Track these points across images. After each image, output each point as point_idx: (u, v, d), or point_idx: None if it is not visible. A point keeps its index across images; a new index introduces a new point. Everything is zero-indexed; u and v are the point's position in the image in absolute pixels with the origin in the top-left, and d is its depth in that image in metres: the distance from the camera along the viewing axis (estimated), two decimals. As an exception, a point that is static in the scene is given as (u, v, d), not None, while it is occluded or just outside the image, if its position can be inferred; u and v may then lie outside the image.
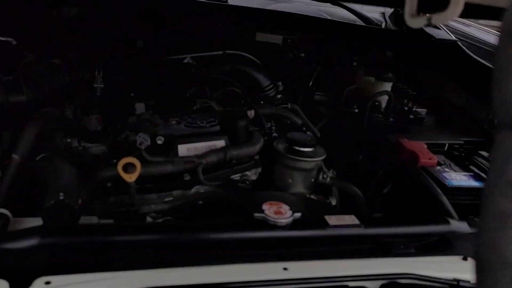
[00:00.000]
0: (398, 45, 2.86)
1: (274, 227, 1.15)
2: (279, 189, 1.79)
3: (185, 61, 2.05)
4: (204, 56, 2.14)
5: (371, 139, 2.33)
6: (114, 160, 1.56)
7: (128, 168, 1.44)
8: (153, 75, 2.04)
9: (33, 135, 1.46)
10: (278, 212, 1.18)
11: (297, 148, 1.72)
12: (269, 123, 2.11)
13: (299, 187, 1.77)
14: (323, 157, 1.74)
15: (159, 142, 1.57)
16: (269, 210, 1.20)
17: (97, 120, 2.08)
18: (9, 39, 1.89)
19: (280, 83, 2.31)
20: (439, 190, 1.65)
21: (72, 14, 2.33)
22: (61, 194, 1.14)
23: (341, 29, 2.67)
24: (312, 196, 1.82)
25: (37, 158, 1.46)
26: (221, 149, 1.59)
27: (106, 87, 1.96)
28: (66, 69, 1.86)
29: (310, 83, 2.77)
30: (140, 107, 1.90)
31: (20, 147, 1.44)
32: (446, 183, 1.80)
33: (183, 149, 1.59)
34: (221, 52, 2.19)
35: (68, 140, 1.99)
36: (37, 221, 1.17)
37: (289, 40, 2.64)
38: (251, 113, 1.97)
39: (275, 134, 2.12)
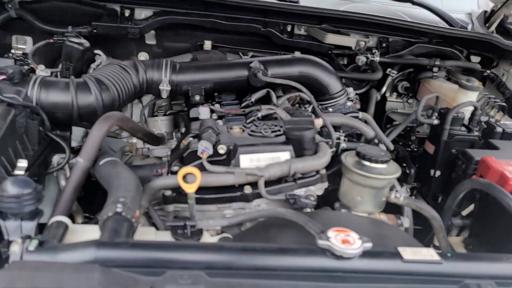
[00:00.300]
0: (486, 49, 2.58)
1: (340, 257, 1.03)
2: (345, 206, 1.66)
3: (252, 64, 1.98)
4: (271, 60, 2.04)
5: (451, 155, 2.12)
6: (175, 167, 1.52)
7: (188, 178, 1.39)
8: (219, 78, 1.98)
9: (99, 139, 1.46)
10: (346, 241, 1.06)
11: (368, 164, 1.57)
12: (337, 133, 1.99)
13: (368, 206, 1.63)
14: (397, 175, 1.58)
15: (221, 151, 1.51)
16: (336, 238, 1.08)
17: (163, 123, 2.09)
18: (82, 40, 1.92)
19: (351, 89, 2.16)
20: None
21: (142, 15, 2.35)
22: (118, 205, 1.11)
23: (421, 31, 2.45)
24: (382, 216, 1.67)
25: (101, 163, 1.45)
26: (286, 162, 1.49)
27: (172, 90, 1.94)
28: (134, 71, 1.86)
29: (384, 89, 2.60)
30: (204, 112, 1.85)
31: (85, 151, 1.45)
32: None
33: (246, 160, 1.51)
34: (289, 55, 2.08)
35: (133, 141, 2.02)
36: (94, 230, 1.15)
37: (363, 43, 2.48)
38: (319, 122, 1.85)
39: (343, 145, 1.99)
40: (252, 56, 2.35)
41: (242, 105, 1.97)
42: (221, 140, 1.57)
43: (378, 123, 2.59)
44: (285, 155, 1.53)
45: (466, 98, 2.27)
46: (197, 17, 2.35)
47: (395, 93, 2.65)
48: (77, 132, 2.17)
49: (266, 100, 2.04)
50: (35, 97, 1.59)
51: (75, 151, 2.11)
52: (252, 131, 1.64)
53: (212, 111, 1.88)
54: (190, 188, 1.36)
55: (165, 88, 1.92)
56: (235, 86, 2.03)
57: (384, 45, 2.55)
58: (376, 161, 1.57)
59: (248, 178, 1.46)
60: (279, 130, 1.64)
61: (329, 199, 1.79)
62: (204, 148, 1.44)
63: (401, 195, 1.65)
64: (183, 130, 2.07)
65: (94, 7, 2.30)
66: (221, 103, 1.98)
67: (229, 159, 1.53)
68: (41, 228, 1.47)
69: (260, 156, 1.52)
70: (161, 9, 2.34)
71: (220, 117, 1.88)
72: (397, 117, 2.63)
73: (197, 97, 1.95)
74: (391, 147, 2.00)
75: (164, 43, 2.52)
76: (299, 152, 1.55)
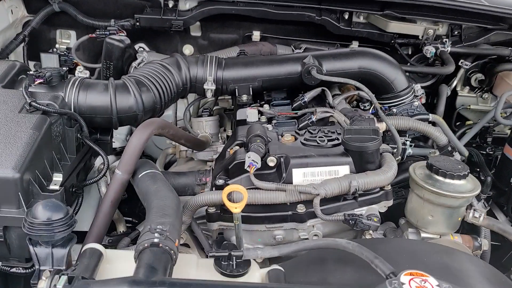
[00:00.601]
0: None
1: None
2: (413, 225, 1.45)
3: (306, 60, 1.77)
4: (327, 54, 1.83)
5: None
6: (220, 181, 1.37)
7: (234, 195, 1.24)
8: (268, 76, 1.79)
9: (138, 149, 1.33)
10: (423, 290, 0.86)
11: (442, 179, 1.35)
12: (402, 138, 1.75)
13: (440, 227, 1.41)
14: (476, 193, 1.34)
15: (271, 164, 1.33)
16: (410, 284, 0.89)
17: (208, 124, 1.94)
18: (122, 37, 1.79)
19: (418, 86, 1.91)
20: None
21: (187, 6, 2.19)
22: (156, 235, 0.97)
23: (500, 16, 2.12)
24: (456, 238, 1.44)
25: (140, 175, 1.32)
26: (345, 177, 1.29)
27: (217, 89, 1.79)
28: (176, 69, 1.72)
29: (455, 83, 2.30)
30: (252, 114, 1.68)
31: (123, 162, 1.33)
32: None
33: (299, 174, 1.33)
34: (347, 49, 1.85)
35: (173, 145, 1.89)
36: (131, 257, 1.02)
37: (431, 31, 2.19)
38: (381, 126, 1.63)
39: (410, 151, 1.76)
40: (305, 49, 2.14)
41: (294, 105, 1.78)
42: (270, 149, 1.40)
43: (447, 122, 2.33)
44: (344, 169, 1.34)
45: (556, 95, 1.95)
46: (245, 6, 2.17)
47: (467, 87, 2.34)
48: (121, 129, 2.08)
49: (320, 99, 1.83)
50: (73, 100, 1.48)
51: (118, 153, 2.03)
52: (305, 139, 1.45)
53: (260, 113, 1.71)
54: (236, 208, 1.20)
55: (210, 88, 1.77)
56: (286, 84, 1.84)
57: (456, 32, 2.24)
58: (452, 177, 1.34)
59: (301, 197, 1.28)
60: (337, 139, 1.43)
61: (393, 213, 1.58)
62: (251, 161, 1.27)
63: (480, 215, 1.41)
64: (229, 132, 1.92)
65: (135, -2, 2.18)
66: (270, 102, 1.81)
67: (280, 172, 1.35)
68: (81, 236, 1.39)
69: (316, 170, 1.33)
70: (206, -1, 2.17)
71: (269, 119, 1.71)
72: (470, 114, 2.33)
73: (245, 97, 1.78)
74: (466, 153, 1.74)
75: (210, 34, 2.37)
76: (361, 165, 1.35)
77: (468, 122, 2.24)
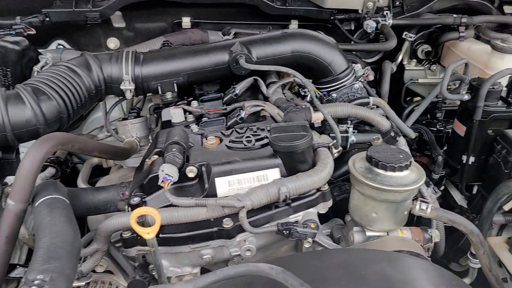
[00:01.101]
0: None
1: None
2: (359, 223, 1.32)
3: (233, 48, 1.59)
4: (256, 39, 1.65)
5: (487, 137, 1.72)
6: (135, 199, 1.19)
7: (148, 218, 1.07)
8: (193, 69, 1.60)
9: (32, 172, 1.13)
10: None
11: (383, 172, 1.21)
12: (344, 125, 1.61)
13: (386, 224, 1.28)
14: (421, 183, 1.22)
15: (190, 174, 1.17)
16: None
17: (135, 127, 1.74)
18: (18, 39, 1.56)
19: (358, 66, 1.76)
20: None
21: None
22: (34, 288, 0.79)
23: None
24: (405, 232, 1.33)
25: (36, 204, 1.13)
26: (273, 184, 1.14)
27: (137, 88, 1.59)
28: (85, 71, 1.51)
29: (401, 57, 2.17)
30: (177, 115, 1.50)
31: (15, 190, 1.13)
32: None
33: (223, 184, 1.17)
34: (278, 32, 1.68)
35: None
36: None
37: (371, 4, 2.04)
38: (318, 117, 1.48)
39: (353, 139, 1.62)
40: (236, 35, 1.95)
41: (225, 99, 1.61)
42: (191, 157, 1.23)
43: (396, 97, 2.21)
44: (273, 172, 1.18)
45: (502, 62, 1.84)
46: (168, -10, 1.96)
47: (414, 60, 2.22)
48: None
49: (255, 89, 1.67)
50: (-42, 119, 1.26)
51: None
52: (231, 141, 1.28)
53: (187, 112, 1.53)
54: (148, 233, 1.04)
55: (128, 87, 1.57)
56: (215, 76, 1.65)
57: (397, 3, 2.11)
58: (393, 169, 1.21)
59: (225, 211, 1.12)
60: (266, 137, 1.28)
61: (339, 208, 1.45)
62: (165, 176, 1.10)
63: (427, 207, 1.30)
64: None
65: (44, -10, 1.93)
66: (201, 98, 1.63)
67: (202, 183, 1.18)
68: None
69: (242, 177, 1.17)
70: (123, -15, 1.94)
71: (198, 118, 1.54)
72: (419, 88, 2.22)
73: (169, 95, 1.59)
74: (413, 135, 1.62)
75: (135, 24, 2.15)
76: (292, 166, 1.20)
77: (416, 99, 2.13)
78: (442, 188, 1.96)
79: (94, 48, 2.16)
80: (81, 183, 1.62)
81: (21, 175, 1.12)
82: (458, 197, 1.93)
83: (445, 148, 1.96)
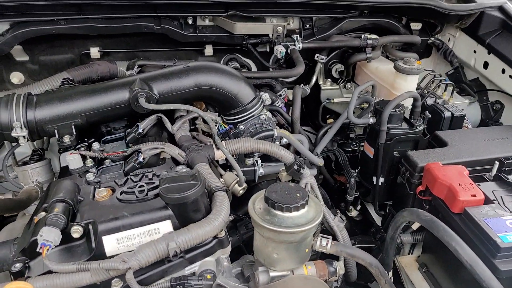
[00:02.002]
0: (426, 15, 2.19)
1: None
2: (263, 263, 1.31)
3: (133, 86, 1.54)
4: (157, 75, 1.60)
5: (393, 157, 1.77)
6: (17, 265, 1.12)
7: (21, 294, 1.00)
8: (92, 109, 1.53)
9: None
10: None
11: (280, 213, 1.20)
12: (251, 158, 1.60)
13: (288, 263, 1.28)
14: (318, 221, 1.22)
15: (75, 235, 1.11)
16: None
17: (35, 171, 1.65)
18: None
19: (266, 95, 1.76)
20: (485, 270, 1.11)
21: None
22: None
23: (349, 5, 2.04)
24: (310, 268, 1.33)
25: None
26: (162, 240, 1.10)
27: (32, 132, 1.50)
28: None
29: (315, 78, 2.20)
30: (73, 161, 1.42)
31: None
32: (498, 240, 1.25)
33: (111, 242, 1.12)
34: (181, 66, 1.65)
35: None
36: None
37: (280, 28, 2.04)
38: (219, 154, 1.46)
39: (261, 171, 1.62)
40: (141, 68, 1.89)
41: (128, 138, 1.55)
42: (79, 213, 1.17)
43: (315, 118, 2.24)
44: (165, 225, 1.14)
45: (406, 83, 1.91)
46: (67, 23, 1.87)
47: (329, 80, 2.26)
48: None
49: (161, 125, 1.62)
50: None
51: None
52: (123, 192, 1.23)
53: (84, 157, 1.46)
54: (24, 308, 0.97)
55: (20, 134, 1.47)
56: (117, 115, 1.59)
57: (308, 26, 2.13)
58: (289, 209, 1.20)
59: (111, 273, 1.07)
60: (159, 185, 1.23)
61: (251, 245, 1.43)
62: (43, 242, 1.03)
63: (328, 242, 1.30)
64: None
65: None
66: (103, 139, 1.56)
67: (89, 242, 1.13)
68: None
69: (131, 233, 1.12)
70: (17, 20, 1.83)
71: (101, 160, 1.47)
72: (336, 107, 2.25)
73: (67, 139, 1.51)
74: (320, 163, 1.64)
75: (39, 57, 2.04)
76: (185, 216, 1.16)
77: (329, 121, 2.16)
78: (359, 207, 2.00)
79: None
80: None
81: None
82: (375, 216, 1.97)
83: (358, 169, 2.00)
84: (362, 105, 2.03)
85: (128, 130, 1.58)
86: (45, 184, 1.65)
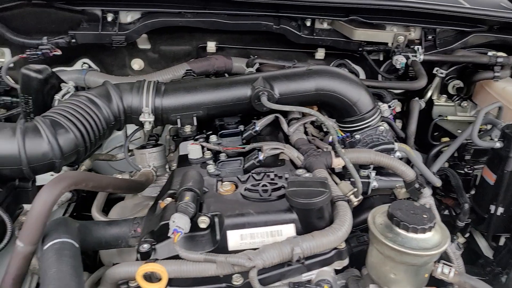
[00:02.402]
0: None
1: None
2: (375, 281, 1.26)
3: (255, 83, 1.55)
4: (279, 75, 1.60)
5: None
6: (144, 246, 1.16)
7: (152, 277, 1.04)
8: (214, 102, 1.57)
9: (44, 215, 1.11)
10: None
11: (404, 233, 1.15)
12: (365, 170, 1.55)
13: (405, 285, 1.21)
14: (444, 247, 1.15)
15: (202, 225, 1.13)
16: None
17: (152, 156, 1.72)
18: (40, 67, 1.56)
19: (385, 106, 1.70)
20: None
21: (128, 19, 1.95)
22: None
23: (478, 18, 1.90)
24: (424, 294, 1.26)
25: (46, 247, 1.11)
26: (286, 243, 1.09)
27: (157, 119, 1.57)
28: (104, 101, 1.49)
29: (430, 93, 2.09)
30: (194, 151, 1.46)
31: (25, 231, 1.11)
32: None
33: (235, 237, 1.13)
34: (303, 68, 1.63)
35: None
36: None
37: (402, 38, 1.96)
38: (338, 162, 1.43)
39: (375, 184, 1.56)
40: (260, 66, 1.91)
41: (244, 135, 1.57)
42: (205, 205, 1.19)
43: (424, 134, 2.13)
44: (288, 228, 1.14)
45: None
46: (193, 17, 1.93)
47: (444, 95, 2.13)
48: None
49: (276, 126, 1.62)
50: (-25, 150, 1.26)
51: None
52: (247, 189, 1.24)
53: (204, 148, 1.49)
54: (154, 289, 1.01)
55: (147, 119, 1.54)
56: (236, 111, 1.62)
57: (430, 37, 2.03)
58: (415, 230, 1.14)
59: (235, 269, 1.08)
60: (284, 187, 1.23)
61: (357, 257, 1.39)
62: (175, 228, 1.07)
63: (450, 271, 1.22)
64: (172, 165, 1.70)
65: (72, 12, 1.93)
66: (220, 132, 1.59)
67: (214, 234, 1.15)
68: None
69: (254, 231, 1.13)
70: (149, 10, 1.93)
71: (216, 153, 1.50)
72: (448, 125, 2.13)
73: (188, 128, 1.56)
74: (438, 184, 1.55)
75: (160, 47, 2.14)
76: (308, 222, 1.15)
77: (444, 139, 2.04)
78: (467, 235, 1.87)
79: (118, 69, 2.16)
80: (95, 212, 1.60)
81: (32, 217, 1.11)
82: (484, 246, 1.83)
83: (472, 192, 1.87)
84: (480, 126, 1.89)
85: (241, 126, 1.60)
86: (159, 168, 1.73)
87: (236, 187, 1.27)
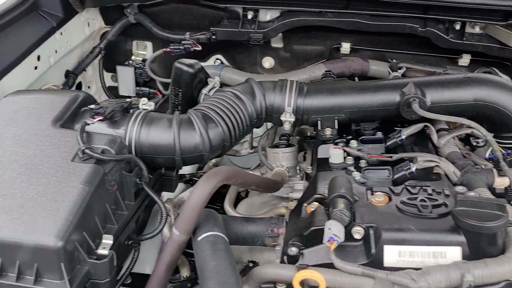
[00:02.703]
0: None
1: None
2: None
3: (405, 89, 1.45)
4: (433, 81, 1.49)
5: None
6: (293, 249, 1.13)
7: (304, 283, 1.00)
8: (358, 106, 1.50)
9: (199, 206, 1.14)
10: None
11: None
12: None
13: None
14: None
15: (356, 236, 1.07)
16: None
17: (285, 156, 1.70)
18: (192, 61, 1.61)
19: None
20: None
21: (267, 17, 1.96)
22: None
23: None
24: None
25: (199, 238, 1.14)
26: (455, 267, 0.98)
27: (296, 120, 1.54)
28: (249, 98, 1.50)
29: None
30: (336, 155, 1.41)
31: (182, 220, 1.15)
32: None
33: (392, 253, 1.05)
34: (459, 75, 1.50)
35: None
36: None
37: None
38: (503, 182, 1.28)
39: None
40: (405, 71, 1.79)
41: (388, 143, 1.48)
42: (357, 214, 1.13)
43: None
44: (454, 251, 1.03)
45: None
46: (333, 17, 1.88)
47: None
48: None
49: (420, 134, 1.51)
50: (134, 138, 1.33)
51: (187, 180, 1.88)
52: (403, 202, 1.15)
53: (346, 153, 1.43)
54: (309, 297, 0.97)
55: (288, 119, 1.53)
56: (379, 117, 1.54)
57: None
58: None
59: (395, 288, 1.00)
60: (445, 204, 1.12)
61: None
62: (332, 236, 1.02)
63: None
64: (308, 168, 1.65)
65: (214, 9, 1.99)
66: (359, 137, 1.52)
67: (368, 246, 1.08)
68: (143, 279, 1.25)
69: (415, 249, 1.04)
70: (289, 8, 1.91)
71: (356, 159, 1.43)
72: None
73: (328, 131, 1.51)
74: None
75: (293, 46, 2.12)
76: (478, 247, 1.03)
77: None
78: None
79: (249, 66, 2.18)
80: (228, 207, 1.63)
81: (189, 207, 1.14)
82: None
83: None
84: None
85: (378, 132, 1.51)
86: (291, 169, 1.70)
87: (389, 199, 1.19)
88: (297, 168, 1.72)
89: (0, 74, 1.54)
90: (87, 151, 1.14)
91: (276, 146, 1.74)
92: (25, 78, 1.69)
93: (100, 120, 1.29)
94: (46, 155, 1.16)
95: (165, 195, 1.59)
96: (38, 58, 1.75)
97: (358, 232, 1.07)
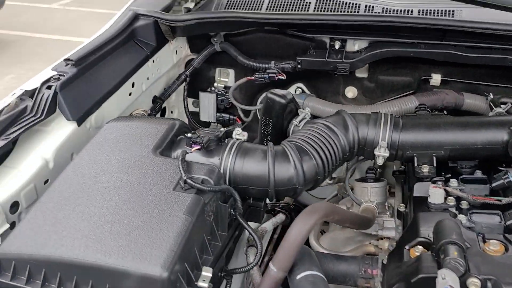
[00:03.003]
0: None
1: None
2: None
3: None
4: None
5: None
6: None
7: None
8: (459, 143, 1.42)
9: (298, 243, 1.11)
10: None
11: None
12: None
13: None
14: None
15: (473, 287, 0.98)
16: None
17: (373, 191, 1.64)
18: (284, 92, 1.60)
19: None
20: None
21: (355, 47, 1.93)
22: None
23: None
24: None
25: (298, 277, 1.10)
26: None
27: (390, 155, 1.48)
28: (342, 130, 1.46)
29: None
30: (436, 195, 1.32)
31: (280, 257, 1.12)
32: None
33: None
34: None
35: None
36: None
37: None
38: None
39: None
40: (509, 109, 1.68)
41: (494, 184, 1.37)
42: (471, 264, 1.04)
43: None
44: None
45: None
46: (426, 48, 1.81)
47: None
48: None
49: None
50: (229, 168, 1.33)
51: (269, 210, 1.86)
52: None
53: (447, 194, 1.34)
54: None
55: (382, 154, 1.46)
56: (481, 155, 1.44)
57: None
58: None
59: None
60: None
61: None
62: (447, 286, 0.94)
63: None
64: (401, 205, 1.57)
65: (300, 38, 1.99)
66: (458, 176, 1.42)
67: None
68: None
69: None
70: (379, 39, 1.87)
71: (458, 199, 1.34)
72: None
73: (426, 169, 1.43)
74: None
75: (378, 76, 2.06)
76: None
77: None
78: None
79: (331, 95, 2.15)
80: (314, 242, 1.58)
81: (287, 244, 1.11)
82: None
83: None
84: None
85: (478, 171, 1.41)
86: (380, 205, 1.62)
87: (506, 249, 1.09)
88: (386, 204, 1.65)
89: (101, 99, 1.62)
90: (188, 181, 1.15)
91: (364, 180, 1.68)
92: (121, 103, 1.77)
93: (197, 149, 1.30)
94: (149, 183, 1.18)
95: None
96: (133, 85, 1.83)
97: (474, 284, 0.99)
